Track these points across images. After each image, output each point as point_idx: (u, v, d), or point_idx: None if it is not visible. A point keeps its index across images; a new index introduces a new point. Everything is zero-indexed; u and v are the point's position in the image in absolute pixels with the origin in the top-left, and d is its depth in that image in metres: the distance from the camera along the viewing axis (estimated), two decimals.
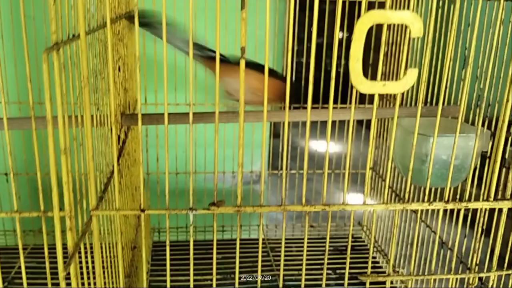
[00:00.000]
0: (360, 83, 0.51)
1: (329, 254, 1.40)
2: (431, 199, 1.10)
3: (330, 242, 1.48)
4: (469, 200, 0.60)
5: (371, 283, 0.81)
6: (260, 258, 0.60)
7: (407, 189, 0.69)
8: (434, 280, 1.07)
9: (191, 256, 0.62)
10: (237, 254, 0.60)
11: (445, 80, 0.66)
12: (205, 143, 1.23)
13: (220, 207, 0.54)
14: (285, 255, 1.41)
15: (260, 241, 0.57)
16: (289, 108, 1.02)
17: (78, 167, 0.56)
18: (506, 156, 0.85)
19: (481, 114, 0.75)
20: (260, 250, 0.57)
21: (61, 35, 0.49)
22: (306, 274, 1.25)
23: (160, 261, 1.34)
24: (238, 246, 0.59)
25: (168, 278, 0.69)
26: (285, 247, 1.47)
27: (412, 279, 1.22)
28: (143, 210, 0.54)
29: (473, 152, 0.68)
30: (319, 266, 1.33)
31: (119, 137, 0.88)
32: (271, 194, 2.40)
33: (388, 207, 0.60)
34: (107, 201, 0.72)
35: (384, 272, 1.37)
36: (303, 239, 1.54)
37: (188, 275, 1.23)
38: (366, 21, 0.49)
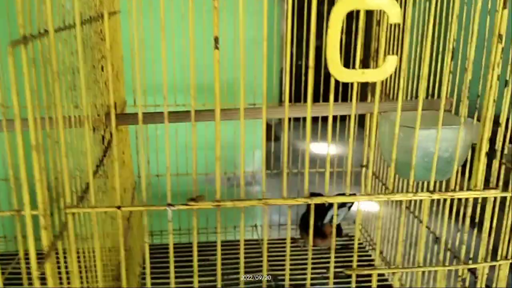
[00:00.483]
0: (338, 71, 0.50)
1: (324, 252, 1.38)
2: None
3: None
4: (454, 190, 0.58)
5: (362, 278, 0.80)
6: (242, 259, 0.59)
7: (390, 180, 0.68)
8: (425, 273, 1.06)
9: (171, 257, 0.61)
10: (219, 255, 0.58)
11: (425, 73, 0.65)
12: (192, 144, 1.21)
13: (200, 202, 0.53)
14: (280, 255, 1.40)
15: (242, 241, 0.56)
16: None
17: (53, 165, 0.55)
18: (505, 151, 0.83)
19: (463, 106, 0.74)
20: (242, 250, 0.56)
21: (32, 30, 0.47)
22: (298, 274, 1.24)
23: (154, 264, 1.32)
24: (219, 245, 0.58)
25: (148, 281, 0.68)
26: (280, 246, 1.46)
27: (399, 271, 1.21)
28: (119, 207, 0.53)
29: (457, 144, 0.66)
30: (312, 265, 1.32)
31: (103, 137, 0.87)
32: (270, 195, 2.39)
33: (371, 198, 0.59)
34: (89, 201, 0.70)
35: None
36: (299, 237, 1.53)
37: (184, 277, 1.22)
38: (341, 8, 0.48)
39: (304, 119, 0.82)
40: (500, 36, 0.51)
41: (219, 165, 0.51)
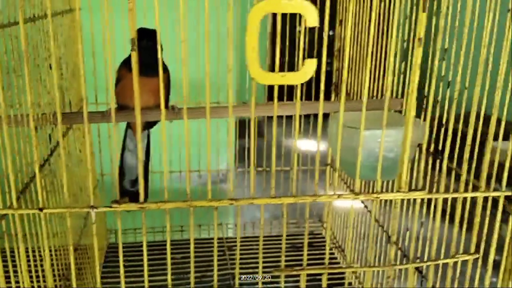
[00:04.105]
0: (257, 73, 0.50)
1: (286, 251, 1.39)
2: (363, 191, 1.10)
3: (289, 239, 1.48)
4: (381, 191, 0.59)
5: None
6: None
7: (335, 182, 0.68)
8: (380, 273, 1.07)
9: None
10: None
11: (390, 74, 0.65)
12: (158, 141, 1.20)
13: (123, 204, 0.53)
14: (245, 253, 1.40)
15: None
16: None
17: None
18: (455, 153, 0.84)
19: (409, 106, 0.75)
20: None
21: None
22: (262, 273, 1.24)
23: (114, 263, 1.32)
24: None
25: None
26: (249, 245, 1.46)
27: (350, 270, 1.22)
28: (41, 209, 0.52)
29: (406, 143, 0.67)
30: (275, 264, 1.32)
31: (50, 136, 0.86)
32: (241, 193, 2.39)
33: (297, 200, 0.59)
34: (28, 201, 0.70)
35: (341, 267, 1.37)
36: (274, 236, 1.53)
37: (141, 276, 1.22)
38: (258, 10, 0.48)
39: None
40: (419, 39, 0.52)
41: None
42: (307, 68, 0.51)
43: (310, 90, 1.32)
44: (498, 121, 0.66)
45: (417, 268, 0.89)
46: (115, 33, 1.00)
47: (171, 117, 0.90)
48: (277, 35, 0.50)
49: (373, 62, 1.13)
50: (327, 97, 1.46)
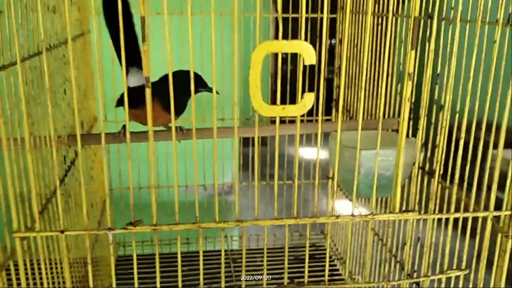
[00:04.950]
0: (260, 106, 0.55)
1: (289, 263, 1.43)
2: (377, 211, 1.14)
3: (291, 252, 1.52)
4: (375, 213, 0.63)
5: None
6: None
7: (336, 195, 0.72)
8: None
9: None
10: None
11: (383, 95, 0.70)
12: (164, 156, 1.25)
13: (137, 226, 0.58)
14: (250, 266, 1.44)
15: (179, 253, 0.60)
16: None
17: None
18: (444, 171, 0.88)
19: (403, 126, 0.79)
20: (178, 261, 0.60)
21: None
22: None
23: (123, 275, 1.37)
24: (155, 259, 0.62)
25: None
26: (253, 257, 1.50)
27: (349, 286, 1.25)
28: (62, 232, 0.57)
29: (399, 163, 0.71)
30: (279, 276, 1.37)
31: (65, 158, 0.91)
32: (250, 201, 2.43)
33: (297, 221, 0.64)
34: (46, 222, 0.75)
35: (343, 279, 1.41)
36: (278, 248, 1.58)
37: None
38: (261, 51, 0.53)
39: None
40: (409, 74, 0.56)
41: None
42: (306, 101, 0.55)
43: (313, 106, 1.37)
44: (488, 136, 0.70)
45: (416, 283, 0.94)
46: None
47: (179, 138, 0.95)
48: (278, 73, 0.55)
49: (372, 82, 1.17)
50: (328, 112, 1.51)
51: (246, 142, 1.93)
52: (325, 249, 1.56)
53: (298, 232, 1.66)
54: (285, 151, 1.63)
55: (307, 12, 1.49)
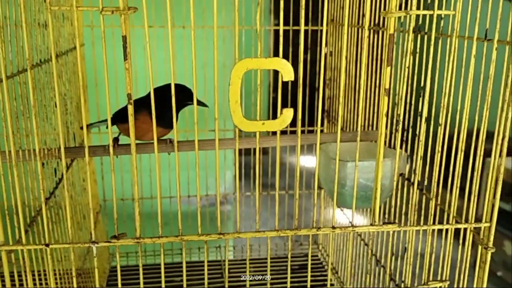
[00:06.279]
0: (240, 122, 0.56)
1: (284, 273, 1.44)
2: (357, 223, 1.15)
3: (284, 262, 1.52)
4: (356, 225, 0.64)
5: None
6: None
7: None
8: None
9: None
10: (139, 280, 0.63)
11: (361, 112, 0.71)
12: (156, 166, 1.26)
13: (121, 239, 0.59)
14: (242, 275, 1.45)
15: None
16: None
17: None
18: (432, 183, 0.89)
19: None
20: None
21: None
22: None
23: (116, 286, 1.37)
24: (138, 270, 0.63)
25: None
26: (250, 267, 1.51)
27: None
28: (47, 245, 0.58)
29: (376, 176, 0.72)
30: (273, 286, 1.37)
31: (55, 170, 0.92)
32: (251, 211, 2.44)
33: (279, 234, 0.65)
34: (35, 234, 0.76)
35: None
36: (280, 258, 1.58)
37: None
38: (240, 67, 0.54)
39: None
40: (386, 90, 0.58)
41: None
42: (285, 117, 0.57)
43: (303, 117, 1.38)
44: (467, 150, 0.71)
45: None
46: (117, 65, 1.08)
47: (169, 150, 0.96)
48: (258, 87, 0.56)
49: (364, 94, 1.18)
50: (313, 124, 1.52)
51: (240, 151, 1.93)
52: (318, 259, 1.57)
53: (297, 241, 1.67)
54: (285, 160, 1.64)
55: (303, 24, 1.50)
